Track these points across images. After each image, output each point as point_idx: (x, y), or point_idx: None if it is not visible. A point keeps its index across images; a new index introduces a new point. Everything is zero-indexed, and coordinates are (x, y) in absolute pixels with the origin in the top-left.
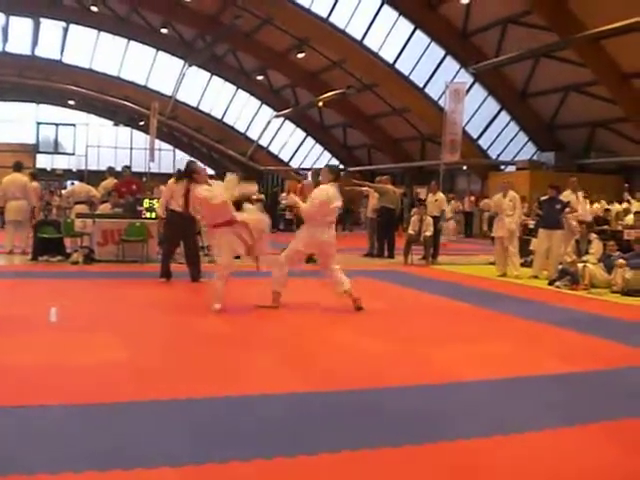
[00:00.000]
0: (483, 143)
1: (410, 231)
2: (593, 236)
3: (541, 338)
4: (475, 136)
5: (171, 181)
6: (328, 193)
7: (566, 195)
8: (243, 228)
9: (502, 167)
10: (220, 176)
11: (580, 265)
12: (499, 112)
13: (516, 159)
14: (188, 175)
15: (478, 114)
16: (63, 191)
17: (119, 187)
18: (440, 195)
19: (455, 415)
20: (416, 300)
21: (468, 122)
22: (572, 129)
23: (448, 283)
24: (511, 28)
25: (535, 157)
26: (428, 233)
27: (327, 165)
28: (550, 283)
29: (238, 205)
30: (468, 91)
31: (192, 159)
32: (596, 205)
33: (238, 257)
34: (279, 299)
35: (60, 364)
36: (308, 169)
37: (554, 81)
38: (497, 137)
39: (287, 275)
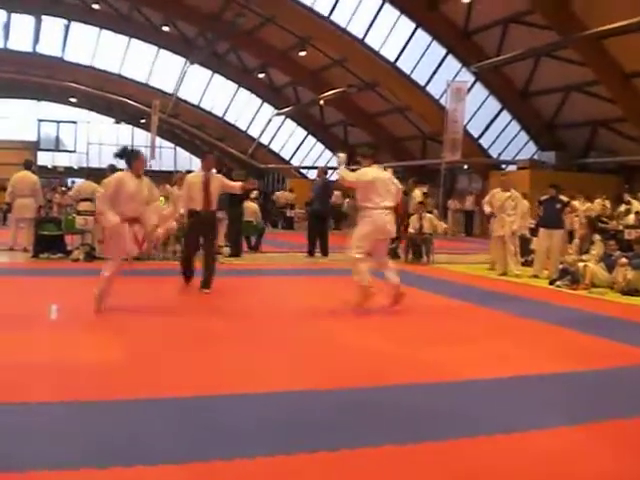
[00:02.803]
0: (484, 142)
1: (410, 229)
2: (597, 237)
3: (542, 337)
4: (476, 135)
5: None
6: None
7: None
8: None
9: (503, 166)
10: (225, 174)
11: (581, 265)
12: (500, 111)
13: (517, 158)
14: (127, 160)
15: (479, 113)
16: (70, 191)
17: None
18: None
19: (456, 414)
20: (417, 299)
21: (469, 121)
22: (573, 129)
23: (448, 282)
24: (512, 27)
25: (536, 156)
26: (428, 231)
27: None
28: (551, 283)
29: (240, 201)
30: (469, 90)
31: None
32: (597, 201)
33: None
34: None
35: (60, 361)
36: (309, 167)
37: (555, 80)
38: (498, 136)
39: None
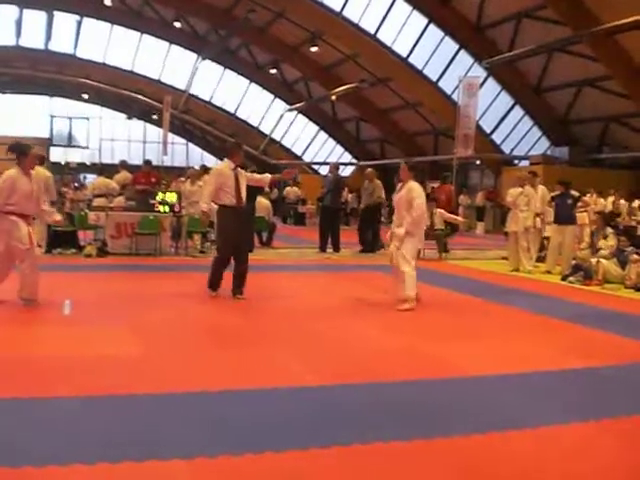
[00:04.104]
0: (496, 137)
1: None
2: (609, 230)
3: (554, 333)
4: (488, 130)
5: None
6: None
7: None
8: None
9: (515, 162)
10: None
11: (593, 260)
12: (513, 107)
13: (529, 154)
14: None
15: (492, 108)
16: (82, 187)
17: (139, 178)
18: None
19: (468, 410)
20: (429, 294)
21: (482, 116)
22: (586, 124)
23: (460, 277)
24: (525, 22)
25: (549, 152)
26: (439, 227)
27: (405, 162)
28: (563, 278)
29: (253, 196)
30: (482, 85)
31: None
32: (610, 198)
33: None
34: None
35: (73, 356)
36: (321, 163)
37: (568, 76)
38: (511, 132)
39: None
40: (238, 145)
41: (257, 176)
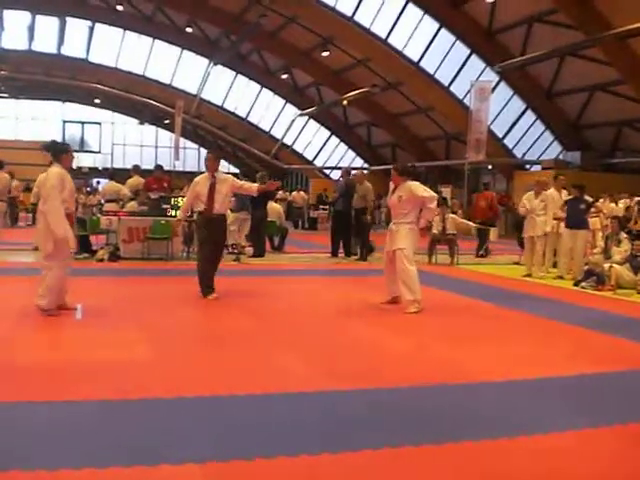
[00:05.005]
0: (508, 142)
1: (434, 230)
2: (623, 235)
3: (566, 339)
4: (500, 135)
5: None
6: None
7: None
8: None
9: (527, 166)
10: (246, 175)
11: (606, 266)
12: (524, 111)
13: (541, 158)
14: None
15: (503, 113)
16: (94, 192)
17: (151, 183)
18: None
19: (478, 415)
20: (440, 300)
21: (493, 121)
22: (598, 128)
23: (472, 283)
24: (537, 26)
25: (561, 156)
26: (451, 231)
27: (394, 167)
28: (576, 284)
29: (264, 202)
30: (493, 90)
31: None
32: (622, 203)
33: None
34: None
35: (85, 360)
36: (332, 167)
37: (580, 80)
38: (522, 136)
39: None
40: (210, 152)
41: (246, 185)
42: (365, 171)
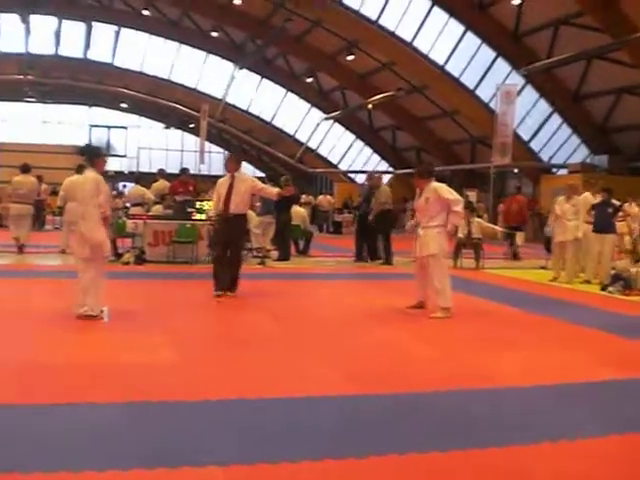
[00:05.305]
0: (535, 146)
1: (459, 234)
2: None
3: (592, 344)
4: (527, 138)
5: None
6: None
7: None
8: None
9: (554, 170)
10: (271, 179)
11: (634, 270)
12: (551, 114)
13: (568, 162)
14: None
15: (529, 116)
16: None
17: (177, 187)
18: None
19: (504, 421)
20: (465, 304)
21: (519, 124)
22: (626, 131)
23: (497, 287)
24: (563, 29)
25: (588, 160)
26: (477, 236)
27: (417, 171)
28: (603, 288)
29: (288, 206)
30: (519, 93)
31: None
32: None
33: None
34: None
35: (109, 363)
36: (357, 171)
37: (607, 83)
38: (549, 140)
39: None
40: (234, 156)
41: (267, 189)
42: (376, 174)
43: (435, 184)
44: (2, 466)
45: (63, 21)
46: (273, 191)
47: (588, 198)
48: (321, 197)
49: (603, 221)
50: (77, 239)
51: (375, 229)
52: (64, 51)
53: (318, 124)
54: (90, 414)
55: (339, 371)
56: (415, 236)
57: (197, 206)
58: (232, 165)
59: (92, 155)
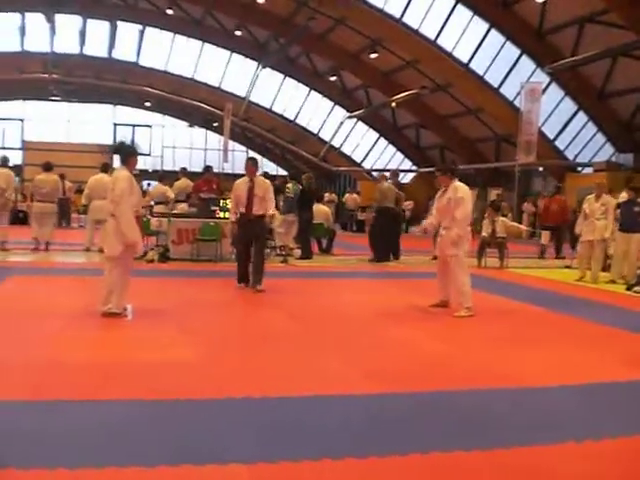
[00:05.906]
0: (560, 144)
1: (483, 233)
2: None
3: (617, 344)
4: (552, 137)
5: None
6: None
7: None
8: None
9: (579, 169)
10: (293, 177)
11: None
12: (576, 112)
13: (593, 160)
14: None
15: (554, 114)
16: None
17: (201, 185)
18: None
19: (528, 421)
20: (489, 303)
21: (544, 122)
22: None
23: (522, 286)
24: (588, 27)
25: (613, 158)
26: (501, 235)
27: (438, 169)
28: (628, 288)
29: (310, 204)
30: (544, 91)
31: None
32: None
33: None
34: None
35: (133, 361)
36: (380, 170)
37: (633, 81)
38: (574, 138)
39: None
40: (254, 161)
41: (270, 203)
42: (382, 173)
43: (457, 184)
44: (25, 463)
45: (88, 20)
46: (271, 209)
47: (606, 198)
48: (347, 195)
49: (629, 220)
50: (107, 237)
51: (376, 227)
52: (89, 50)
53: (342, 122)
54: (111, 411)
55: (360, 369)
56: (438, 237)
57: (221, 204)
58: (252, 169)
59: (126, 154)
